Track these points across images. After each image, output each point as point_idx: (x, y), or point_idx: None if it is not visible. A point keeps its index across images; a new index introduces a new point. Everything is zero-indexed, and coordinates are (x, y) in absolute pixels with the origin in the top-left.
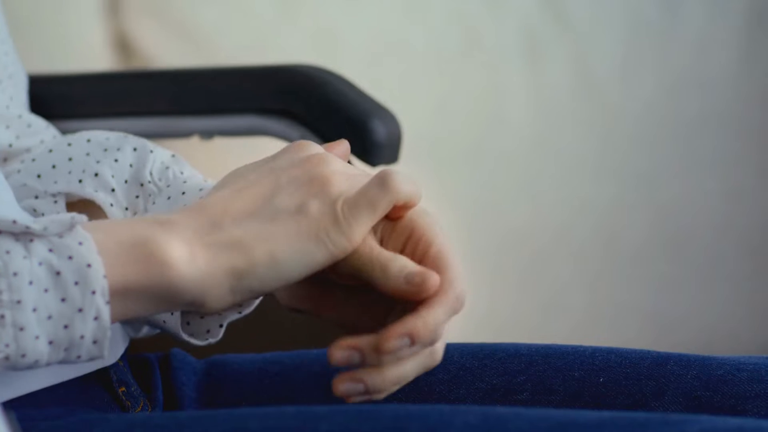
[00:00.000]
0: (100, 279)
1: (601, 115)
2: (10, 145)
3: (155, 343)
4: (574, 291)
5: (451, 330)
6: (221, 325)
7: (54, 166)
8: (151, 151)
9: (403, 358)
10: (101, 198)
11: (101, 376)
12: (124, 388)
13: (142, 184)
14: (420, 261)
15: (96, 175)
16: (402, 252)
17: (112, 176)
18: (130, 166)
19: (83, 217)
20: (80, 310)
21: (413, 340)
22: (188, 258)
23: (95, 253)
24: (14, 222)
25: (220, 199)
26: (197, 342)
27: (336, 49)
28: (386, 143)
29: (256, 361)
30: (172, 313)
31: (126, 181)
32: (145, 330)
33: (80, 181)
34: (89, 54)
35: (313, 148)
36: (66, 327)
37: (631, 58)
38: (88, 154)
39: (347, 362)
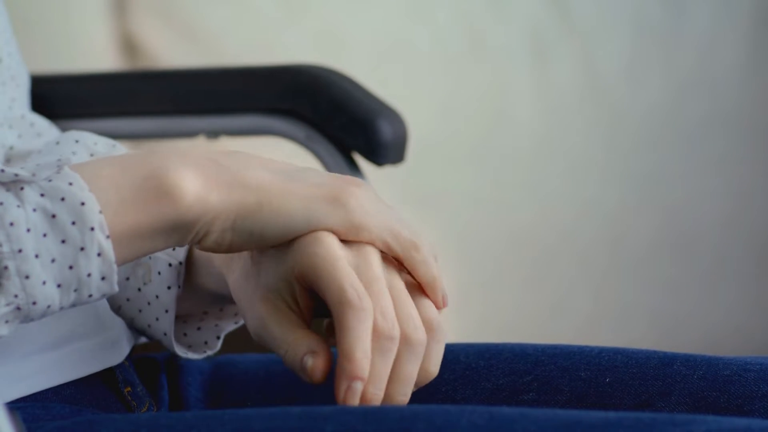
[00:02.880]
0: (96, 215)
1: (607, 115)
2: (11, 148)
3: (160, 344)
4: (580, 291)
5: (455, 330)
6: (218, 337)
7: None
8: None
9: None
10: None
11: (107, 376)
12: (129, 389)
13: None
14: None
15: None
16: None
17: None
18: None
19: (69, 159)
20: (82, 249)
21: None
22: (200, 188)
23: (87, 191)
24: (2, 171)
25: (244, 155)
26: (195, 356)
27: (341, 49)
28: (392, 143)
29: (262, 361)
30: (165, 334)
31: None
32: (143, 338)
33: None
34: (95, 54)
35: None
36: (71, 267)
37: (637, 58)
38: (74, 153)
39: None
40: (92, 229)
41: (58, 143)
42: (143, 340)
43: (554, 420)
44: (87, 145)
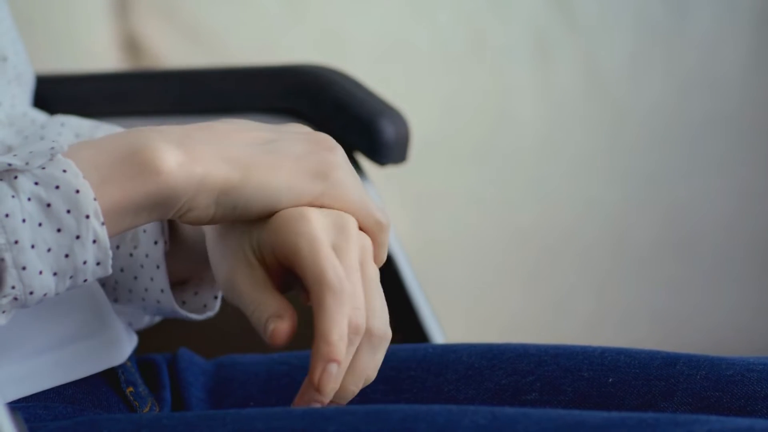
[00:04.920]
0: (90, 202)
1: (610, 115)
2: (10, 148)
3: (163, 344)
4: (583, 291)
5: (458, 330)
6: (216, 297)
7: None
8: None
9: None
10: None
11: (109, 376)
12: (131, 389)
13: None
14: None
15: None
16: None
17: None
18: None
19: (62, 146)
20: (78, 237)
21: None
22: (183, 163)
23: (81, 178)
24: None
25: (226, 127)
26: (197, 316)
27: (343, 48)
28: (395, 142)
29: (264, 361)
30: (162, 291)
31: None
32: (146, 320)
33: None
34: (97, 54)
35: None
36: (67, 256)
37: (639, 58)
38: (60, 135)
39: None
40: (87, 216)
41: (43, 127)
42: (146, 322)
43: (557, 420)
44: (72, 126)
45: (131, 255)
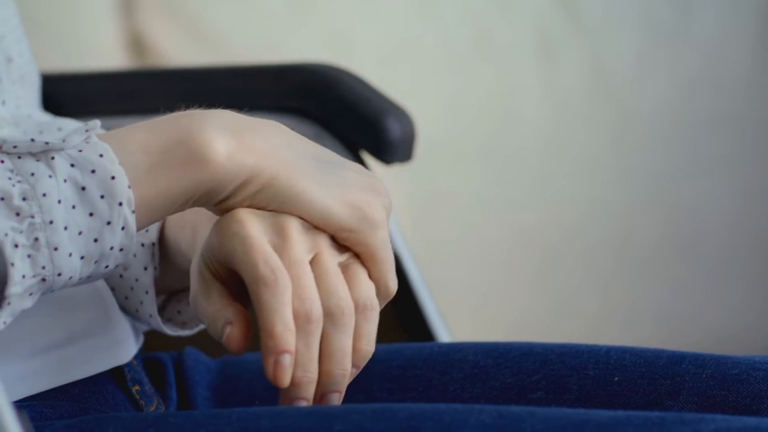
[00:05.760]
0: (125, 190)
1: (614, 114)
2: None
3: (169, 342)
4: (587, 290)
5: (464, 329)
6: None
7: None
8: None
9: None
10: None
11: (115, 375)
12: (138, 387)
13: None
14: None
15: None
16: None
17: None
18: None
19: (96, 123)
20: (108, 223)
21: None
22: (233, 152)
23: (117, 164)
24: (32, 141)
25: (291, 132)
26: (188, 332)
27: (349, 47)
28: (401, 141)
29: None
30: (151, 315)
31: None
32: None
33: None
34: (103, 52)
35: None
36: (96, 240)
37: (644, 57)
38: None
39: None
40: (120, 204)
41: (41, 132)
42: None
43: (563, 419)
44: (67, 132)
45: (121, 276)
